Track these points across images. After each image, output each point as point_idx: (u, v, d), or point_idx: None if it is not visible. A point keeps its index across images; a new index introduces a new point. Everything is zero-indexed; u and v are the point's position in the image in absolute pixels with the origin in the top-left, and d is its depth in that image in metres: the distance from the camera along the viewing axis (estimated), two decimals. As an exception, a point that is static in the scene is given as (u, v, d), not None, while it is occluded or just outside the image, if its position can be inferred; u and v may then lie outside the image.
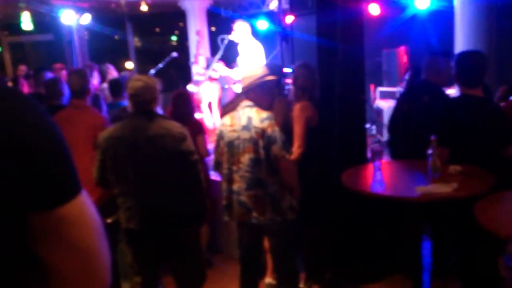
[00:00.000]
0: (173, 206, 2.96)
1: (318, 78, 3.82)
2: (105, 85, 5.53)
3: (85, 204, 0.85)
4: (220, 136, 3.20)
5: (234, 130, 3.12)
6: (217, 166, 3.30)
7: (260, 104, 3.13)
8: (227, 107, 4.31)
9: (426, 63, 4.00)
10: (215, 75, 6.70)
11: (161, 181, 2.91)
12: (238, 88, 6.19)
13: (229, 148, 3.14)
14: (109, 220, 3.51)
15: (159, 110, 3.89)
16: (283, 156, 3.03)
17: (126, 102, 4.58)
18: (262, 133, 3.02)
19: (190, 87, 7.11)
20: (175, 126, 2.96)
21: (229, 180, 3.16)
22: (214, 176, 4.52)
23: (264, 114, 3.09)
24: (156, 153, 2.87)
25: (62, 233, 0.81)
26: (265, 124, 3.03)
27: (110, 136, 2.91)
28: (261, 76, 3.13)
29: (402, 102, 4.08)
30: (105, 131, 3.05)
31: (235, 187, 3.14)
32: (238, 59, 6.44)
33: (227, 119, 3.20)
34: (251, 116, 3.08)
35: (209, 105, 6.68)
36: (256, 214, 3.09)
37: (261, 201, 3.08)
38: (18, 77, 7.08)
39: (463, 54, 3.47)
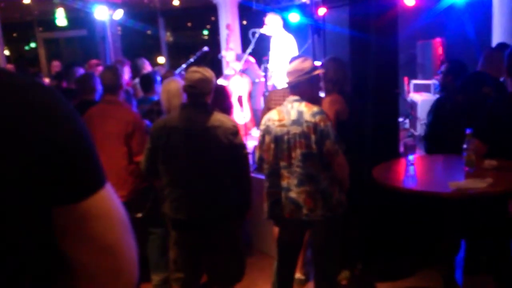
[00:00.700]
0: (221, 198, 2.98)
1: (348, 72, 3.75)
2: (137, 80, 5.58)
3: (109, 198, 0.84)
4: (267, 131, 3.12)
5: (283, 125, 3.04)
6: (261, 163, 3.22)
7: (307, 98, 3.07)
8: (271, 102, 4.29)
9: (485, 55, 3.89)
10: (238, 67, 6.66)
11: (212, 172, 2.94)
12: (276, 82, 6.14)
13: (277, 143, 3.06)
14: (139, 215, 3.54)
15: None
16: (336, 150, 2.97)
17: (157, 97, 4.62)
18: (314, 127, 2.96)
19: (220, 81, 7.12)
20: (229, 120, 3.00)
21: (277, 176, 3.08)
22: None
23: (315, 108, 3.03)
24: (209, 144, 2.90)
25: (86, 228, 0.80)
26: (317, 118, 2.97)
27: (165, 125, 2.96)
28: (309, 70, 3.07)
29: (456, 93, 3.93)
30: (160, 120, 3.11)
31: (284, 183, 3.06)
32: (270, 53, 6.41)
33: (274, 113, 3.11)
34: (302, 110, 3.01)
35: (239, 99, 6.67)
36: (307, 211, 3.02)
37: (313, 197, 3.01)
38: (60, 73, 7.26)
39: None
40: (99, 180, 0.82)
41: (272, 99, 4.28)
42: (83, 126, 0.82)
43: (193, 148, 2.90)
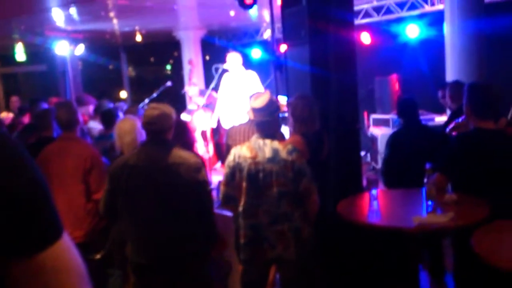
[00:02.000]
0: (185, 238, 2.87)
1: (317, 109, 3.74)
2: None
3: (66, 249, 0.80)
4: (238, 169, 3.02)
5: (258, 163, 2.97)
6: (228, 201, 3.13)
7: (273, 135, 3.05)
8: (230, 138, 4.25)
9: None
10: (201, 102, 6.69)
11: (174, 211, 2.83)
12: (242, 118, 6.16)
13: (250, 181, 2.98)
14: (97, 256, 3.41)
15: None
16: (312, 188, 2.95)
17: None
18: (291, 165, 2.92)
19: (183, 116, 7.09)
20: (191, 156, 2.92)
21: (250, 215, 3.00)
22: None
23: (290, 145, 3.01)
24: (171, 182, 2.81)
25: (42, 282, 0.76)
26: (294, 156, 2.94)
27: (124, 164, 2.85)
28: (276, 108, 3.06)
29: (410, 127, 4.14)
30: (119, 159, 3.00)
31: (256, 221, 2.99)
32: (220, 89, 6.48)
33: (245, 150, 3.03)
34: (277, 148, 2.96)
35: (203, 134, 6.65)
36: (280, 250, 2.96)
37: (286, 236, 2.95)
38: (21, 108, 7.09)
39: (475, 86, 3.39)
40: (56, 231, 0.79)
41: (231, 135, 4.27)
42: (39, 174, 0.79)
43: (154, 187, 2.81)
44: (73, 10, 7.82)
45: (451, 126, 3.96)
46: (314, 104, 3.71)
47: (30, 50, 10.77)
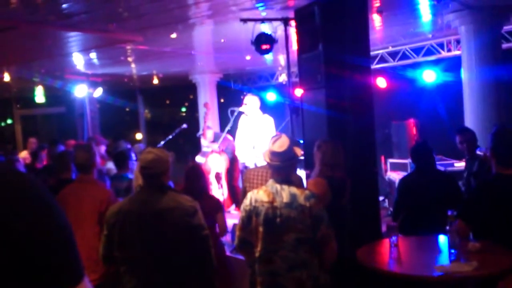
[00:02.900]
0: (182, 282, 2.79)
1: (344, 156, 3.72)
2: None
3: None
4: (255, 213, 2.96)
5: (275, 207, 2.91)
6: (243, 246, 3.07)
7: (289, 180, 3.01)
8: (246, 181, 4.24)
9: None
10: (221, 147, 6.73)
11: (169, 258, 2.77)
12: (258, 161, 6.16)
13: (267, 226, 2.91)
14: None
15: (170, 183, 3.84)
16: (330, 235, 2.88)
17: (130, 174, 4.57)
18: (309, 211, 2.86)
19: (198, 158, 7.11)
20: (186, 200, 2.87)
21: (266, 261, 2.93)
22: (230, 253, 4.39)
23: (307, 191, 2.97)
24: (164, 228, 2.76)
25: None
26: (312, 202, 2.88)
27: (119, 210, 2.82)
28: (295, 153, 3.04)
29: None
30: (115, 205, 2.97)
31: (273, 267, 2.90)
32: (238, 132, 6.51)
33: (261, 194, 2.97)
34: (295, 193, 2.91)
35: (217, 176, 6.64)
36: None
37: (303, 284, 2.87)
38: (38, 151, 7.18)
39: (500, 132, 3.35)
40: (78, 274, 0.78)
41: (248, 179, 4.25)
42: (64, 217, 0.79)
43: (148, 232, 2.76)
44: (93, 55, 8.04)
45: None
46: (341, 149, 3.71)
47: (50, 93, 11.03)
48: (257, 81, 11.51)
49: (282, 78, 10.58)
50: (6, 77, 8.79)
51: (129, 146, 6.30)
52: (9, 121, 13.80)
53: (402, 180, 4.24)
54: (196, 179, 3.99)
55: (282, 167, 3.00)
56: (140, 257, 2.76)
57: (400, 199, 4.06)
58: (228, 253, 4.38)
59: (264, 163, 4.27)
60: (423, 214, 3.74)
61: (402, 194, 4.07)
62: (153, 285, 2.76)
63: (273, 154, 3.00)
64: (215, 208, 3.79)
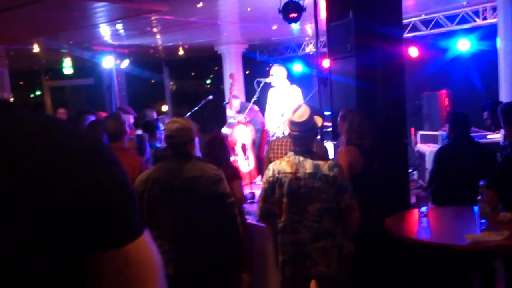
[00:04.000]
0: (209, 251, 2.85)
1: (369, 124, 3.70)
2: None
3: (149, 244, 0.83)
4: (278, 184, 2.99)
5: (299, 178, 2.93)
6: (266, 216, 3.11)
7: (310, 149, 3.02)
8: (270, 151, 4.24)
9: None
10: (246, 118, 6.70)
11: (197, 223, 2.83)
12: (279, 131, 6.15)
13: (291, 197, 2.95)
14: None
15: (198, 153, 3.86)
16: (354, 205, 2.91)
17: (159, 143, 4.62)
18: (333, 181, 2.89)
19: (224, 130, 7.12)
20: (211, 168, 2.91)
21: (290, 231, 2.97)
22: (250, 220, 4.42)
23: (330, 161, 3.00)
24: (191, 195, 2.82)
25: (125, 274, 0.79)
26: (336, 171, 2.90)
27: (147, 178, 2.89)
28: (314, 123, 3.04)
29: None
30: (143, 173, 3.03)
31: (298, 238, 2.95)
32: (268, 103, 6.46)
33: (284, 165, 3.00)
34: (318, 163, 2.93)
35: (243, 147, 6.64)
36: (323, 267, 2.91)
37: (329, 253, 2.91)
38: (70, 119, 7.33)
39: None
40: (140, 226, 0.83)
41: (272, 149, 4.25)
42: (125, 172, 0.83)
43: (176, 199, 2.83)
44: (119, 26, 8.04)
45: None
46: (367, 119, 3.69)
47: (78, 64, 11.13)
48: (283, 51, 11.37)
49: (309, 48, 10.42)
50: (36, 48, 8.89)
51: (155, 114, 6.35)
52: (38, 93, 14.04)
53: (441, 150, 4.17)
54: (216, 148, 4.00)
55: (301, 137, 3.01)
56: (169, 223, 2.83)
57: (437, 169, 4.00)
58: (254, 222, 4.41)
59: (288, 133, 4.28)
60: (459, 185, 3.68)
61: (439, 164, 4.01)
62: (182, 248, 2.82)
63: (293, 123, 3.01)
64: (231, 176, 3.81)
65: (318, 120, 3.10)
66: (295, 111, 3.04)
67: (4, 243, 0.69)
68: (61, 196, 0.72)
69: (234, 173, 3.98)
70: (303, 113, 3.00)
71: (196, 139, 3.22)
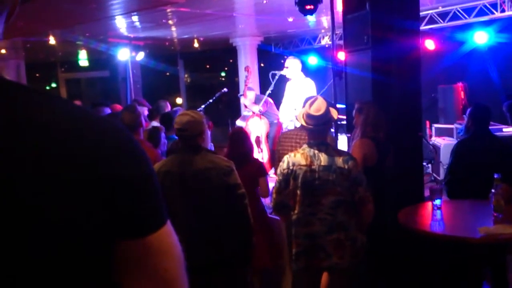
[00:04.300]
0: (220, 242, 2.88)
1: (384, 117, 3.70)
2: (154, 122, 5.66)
3: (171, 234, 0.87)
4: (293, 176, 2.99)
5: (313, 170, 2.93)
6: (280, 209, 3.11)
7: (325, 141, 3.03)
8: (280, 144, 4.26)
9: None
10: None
11: (208, 215, 2.87)
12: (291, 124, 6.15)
13: (306, 189, 2.95)
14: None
15: (211, 146, 3.88)
16: (368, 197, 2.92)
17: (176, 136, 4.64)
18: (347, 174, 2.89)
19: (238, 122, 7.15)
20: (222, 160, 2.94)
21: (304, 224, 2.98)
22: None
23: (345, 153, 3.00)
24: (202, 187, 2.85)
25: (149, 263, 0.81)
26: (350, 164, 2.91)
27: (158, 171, 2.91)
28: (330, 116, 3.04)
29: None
30: (154, 165, 3.06)
31: (312, 230, 2.96)
32: (285, 96, 6.46)
33: (299, 158, 2.99)
34: (333, 156, 2.94)
35: (257, 140, 6.67)
36: (337, 259, 2.93)
37: (342, 245, 2.93)
38: None
39: None
40: (164, 216, 0.86)
41: (280, 142, 4.27)
42: (150, 162, 0.85)
43: (187, 191, 2.85)
44: (135, 18, 8.08)
45: None
46: (382, 112, 3.68)
47: (93, 57, 11.22)
48: (298, 44, 11.33)
49: (325, 41, 10.37)
50: (52, 41, 8.98)
51: (168, 104, 6.39)
52: (53, 85, 14.19)
53: (460, 143, 4.10)
54: (240, 143, 4.01)
55: (317, 130, 3.00)
56: (180, 215, 2.85)
57: (455, 162, 3.95)
58: (268, 214, 4.43)
59: (298, 126, 4.28)
60: (478, 179, 3.65)
61: (457, 157, 3.96)
62: (193, 240, 2.84)
63: (309, 117, 2.99)
64: (258, 171, 3.82)
65: (334, 113, 3.10)
66: (311, 104, 3.03)
67: (39, 228, 0.71)
68: (91, 185, 0.74)
69: (260, 169, 3.99)
70: (320, 107, 2.99)
71: (208, 132, 3.25)
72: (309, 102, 3.07)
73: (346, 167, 2.89)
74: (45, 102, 0.77)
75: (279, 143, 4.37)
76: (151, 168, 0.84)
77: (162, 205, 0.86)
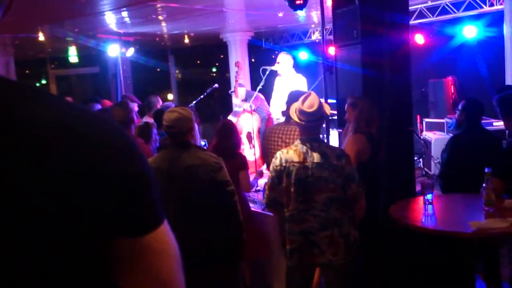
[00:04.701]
0: (209, 239, 2.89)
1: (376, 111, 3.70)
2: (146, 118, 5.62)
3: (168, 233, 0.87)
4: (286, 173, 2.97)
5: (306, 167, 2.93)
6: (273, 205, 3.10)
7: (318, 137, 3.04)
8: (268, 139, 4.26)
9: None
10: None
11: (197, 212, 2.88)
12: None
13: (299, 186, 2.94)
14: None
15: (199, 140, 3.87)
16: (360, 193, 2.93)
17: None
18: (341, 170, 2.89)
19: (229, 118, 7.12)
20: (211, 156, 2.95)
21: (298, 220, 2.97)
22: (254, 208, 4.44)
23: (338, 150, 3.01)
24: (192, 184, 2.85)
25: (146, 261, 0.82)
26: (343, 161, 2.91)
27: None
28: (323, 112, 3.03)
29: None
30: None
31: (306, 226, 2.95)
32: (274, 91, 6.45)
33: (292, 154, 2.98)
34: (326, 152, 2.93)
35: (248, 136, 6.65)
36: (330, 256, 2.93)
37: (336, 242, 2.93)
38: None
39: None
40: (161, 215, 0.86)
41: (266, 137, 4.27)
42: (147, 162, 0.86)
43: (177, 188, 2.86)
44: (125, 13, 8.02)
45: None
46: (375, 106, 3.69)
47: (83, 53, 11.13)
48: (289, 39, 11.31)
49: (315, 36, 10.37)
50: (41, 37, 8.90)
51: (159, 99, 6.35)
52: (44, 81, 14.07)
53: (454, 138, 4.10)
54: (227, 136, 4.01)
55: (310, 127, 2.99)
56: (170, 213, 2.83)
57: (451, 157, 3.95)
58: (260, 210, 4.43)
59: (283, 121, 4.28)
60: (472, 173, 3.66)
61: (453, 152, 3.96)
62: (182, 236, 2.83)
63: (302, 113, 2.98)
64: (240, 165, 3.83)
65: (327, 109, 3.09)
66: (304, 100, 3.01)
67: (37, 227, 0.71)
68: (90, 183, 0.74)
69: (242, 162, 4.00)
70: (313, 103, 2.97)
71: (196, 127, 3.23)
72: (302, 98, 3.06)
73: (339, 163, 2.89)
74: (42, 100, 0.76)
75: (264, 138, 4.36)
76: (149, 168, 0.84)
77: (160, 204, 0.86)
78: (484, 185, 3.09)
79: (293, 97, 4.28)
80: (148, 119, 5.46)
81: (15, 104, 0.73)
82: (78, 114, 0.79)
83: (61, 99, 0.81)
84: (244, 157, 4.23)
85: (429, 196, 3.24)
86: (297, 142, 3.03)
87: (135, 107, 6.36)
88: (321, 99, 3.15)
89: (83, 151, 0.75)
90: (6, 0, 0.79)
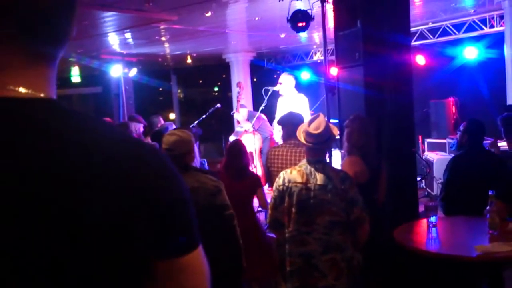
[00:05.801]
0: (208, 263, 2.85)
1: (373, 131, 3.67)
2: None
3: (201, 256, 0.90)
4: (288, 193, 2.95)
5: (309, 189, 2.90)
6: (276, 225, 3.07)
7: (323, 159, 3.02)
8: (272, 160, 4.24)
9: None
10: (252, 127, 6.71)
11: None
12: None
13: (300, 207, 2.91)
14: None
15: (204, 161, 3.86)
16: (364, 218, 2.88)
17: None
18: (344, 194, 2.86)
19: (231, 138, 7.13)
20: (210, 180, 2.92)
21: (299, 243, 2.93)
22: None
23: (342, 173, 2.97)
24: None
25: (182, 280, 0.85)
26: (347, 184, 2.88)
27: None
28: (330, 134, 3.01)
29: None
30: None
31: (307, 249, 2.91)
32: (278, 112, 6.47)
33: (295, 175, 2.95)
34: (329, 175, 2.91)
35: (250, 155, 6.64)
36: (332, 280, 2.88)
37: (338, 266, 2.88)
38: None
39: None
40: (197, 240, 0.89)
41: (269, 158, 4.26)
42: (187, 187, 0.88)
43: None
44: (128, 35, 8.10)
45: None
46: (370, 126, 3.64)
47: (86, 73, 11.19)
48: (291, 59, 11.39)
49: (317, 56, 10.44)
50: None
51: (161, 119, 6.37)
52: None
53: (455, 159, 4.07)
54: (238, 156, 3.99)
55: (316, 149, 2.98)
56: None
57: (451, 179, 3.92)
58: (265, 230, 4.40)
59: (286, 142, 4.27)
60: (474, 195, 3.62)
61: (453, 174, 3.92)
62: None
63: (309, 135, 2.97)
64: (255, 184, 3.82)
65: (335, 131, 3.07)
66: (310, 122, 3.00)
67: (86, 249, 0.74)
68: (135, 207, 0.77)
69: (256, 181, 3.98)
70: (320, 125, 2.96)
71: (196, 148, 3.22)
72: (308, 120, 3.06)
73: (342, 187, 2.87)
74: (96, 126, 0.81)
75: (268, 159, 4.36)
76: (188, 193, 0.87)
77: (197, 226, 0.89)
78: (488, 207, 3.06)
79: (283, 120, 4.32)
80: (149, 140, 5.46)
81: (82, 131, 0.78)
82: (125, 139, 0.83)
83: (111, 126, 0.84)
84: (257, 176, 4.22)
85: (433, 219, 3.21)
86: (303, 162, 3.01)
87: (140, 128, 6.38)
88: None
89: (131, 177, 0.78)
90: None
